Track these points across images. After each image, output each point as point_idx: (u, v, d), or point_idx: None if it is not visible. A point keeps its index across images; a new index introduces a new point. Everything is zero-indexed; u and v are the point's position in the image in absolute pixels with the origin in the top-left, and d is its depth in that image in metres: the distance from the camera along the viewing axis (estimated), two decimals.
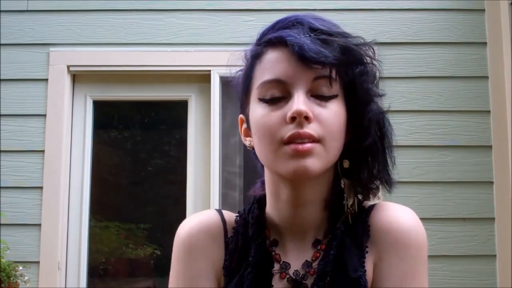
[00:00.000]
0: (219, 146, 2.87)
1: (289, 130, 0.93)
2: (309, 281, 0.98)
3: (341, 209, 1.00)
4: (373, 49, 1.00)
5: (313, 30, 0.96)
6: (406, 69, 2.89)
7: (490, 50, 2.88)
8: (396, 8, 2.97)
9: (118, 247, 3.39)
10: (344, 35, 0.98)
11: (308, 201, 1.00)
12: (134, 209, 3.49)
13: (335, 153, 0.97)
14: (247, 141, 1.05)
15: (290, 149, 0.93)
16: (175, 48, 2.95)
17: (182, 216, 2.81)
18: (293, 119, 0.93)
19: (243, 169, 2.92)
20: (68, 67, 2.93)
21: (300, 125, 0.93)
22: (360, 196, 1.03)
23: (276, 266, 1.00)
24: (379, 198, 1.05)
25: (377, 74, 1.02)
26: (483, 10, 2.92)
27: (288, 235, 1.02)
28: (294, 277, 0.98)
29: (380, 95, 1.01)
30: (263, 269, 0.98)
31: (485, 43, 2.90)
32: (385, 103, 1.03)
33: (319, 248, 1.00)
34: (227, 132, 2.93)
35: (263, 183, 1.07)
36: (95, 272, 3.17)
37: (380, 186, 1.02)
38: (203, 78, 2.95)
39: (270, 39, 0.98)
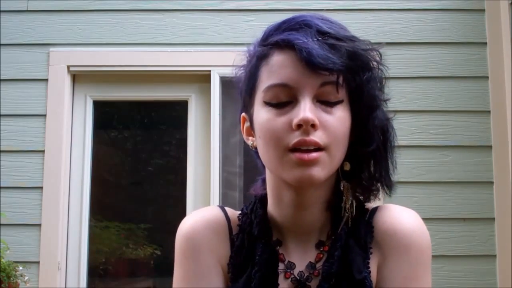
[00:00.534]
0: (219, 146, 2.87)
1: (295, 138, 0.92)
2: (313, 283, 0.98)
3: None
4: (380, 53, 1.00)
5: (321, 33, 0.95)
6: (406, 69, 2.89)
7: (490, 50, 2.88)
8: (396, 8, 2.97)
9: (118, 247, 3.39)
10: (352, 39, 0.97)
11: (311, 204, 1.00)
12: (134, 209, 3.49)
13: (339, 159, 0.97)
14: (249, 140, 1.04)
15: (295, 157, 0.92)
16: (175, 48, 2.95)
17: (182, 216, 2.80)
18: (299, 126, 0.92)
19: (243, 169, 2.92)
20: (68, 67, 2.93)
21: (306, 133, 0.92)
22: (361, 197, 1.03)
23: (281, 266, 1.00)
24: (379, 199, 1.05)
25: (384, 78, 1.01)
26: (483, 10, 2.92)
27: (291, 235, 1.02)
28: (298, 278, 0.98)
29: (386, 100, 1.01)
30: (269, 268, 0.98)
31: (485, 43, 2.90)
32: (389, 105, 1.02)
33: (322, 249, 1.00)
34: (227, 132, 2.93)
35: (264, 181, 1.07)
36: (95, 272, 3.17)
37: (380, 189, 1.02)
38: (203, 78, 2.95)
39: (277, 42, 0.97)
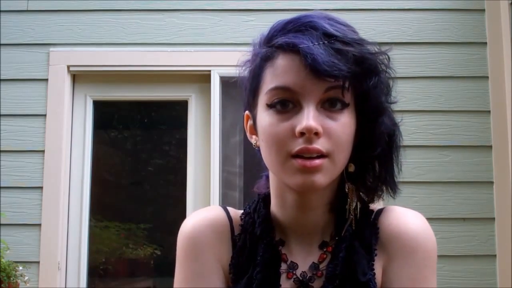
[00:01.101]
0: (219, 146, 2.87)
1: (298, 145, 0.91)
2: (316, 284, 0.97)
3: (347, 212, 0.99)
4: (388, 57, 0.98)
5: (327, 36, 0.92)
6: (406, 69, 2.89)
7: (490, 50, 2.88)
8: (396, 8, 2.97)
9: (118, 247, 3.39)
10: (359, 42, 0.94)
11: (314, 206, 0.99)
12: (134, 209, 3.50)
13: (343, 164, 0.96)
14: (253, 139, 1.03)
15: (297, 164, 0.91)
16: (175, 48, 2.95)
17: (182, 216, 2.81)
18: (302, 134, 0.90)
19: (243, 169, 2.92)
20: (68, 67, 2.93)
21: (309, 141, 0.90)
22: (365, 198, 1.02)
23: (283, 266, 0.99)
24: (383, 199, 1.04)
25: (392, 82, 0.99)
26: (483, 10, 2.92)
27: (294, 235, 1.01)
28: (301, 278, 0.98)
29: (393, 103, 1.00)
30: (271, 269, 0.97)
31: (485, 43, 2.90)
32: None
33: (325, 250, 1.00)
34: (227, 132, 2.93)
35: (268, 178, 1.05)
36: (95, 272, 3.17)
37: (385, 190, 1.02)
38: (203, 78, 2.95)
39: (281, 45, 0.94)
